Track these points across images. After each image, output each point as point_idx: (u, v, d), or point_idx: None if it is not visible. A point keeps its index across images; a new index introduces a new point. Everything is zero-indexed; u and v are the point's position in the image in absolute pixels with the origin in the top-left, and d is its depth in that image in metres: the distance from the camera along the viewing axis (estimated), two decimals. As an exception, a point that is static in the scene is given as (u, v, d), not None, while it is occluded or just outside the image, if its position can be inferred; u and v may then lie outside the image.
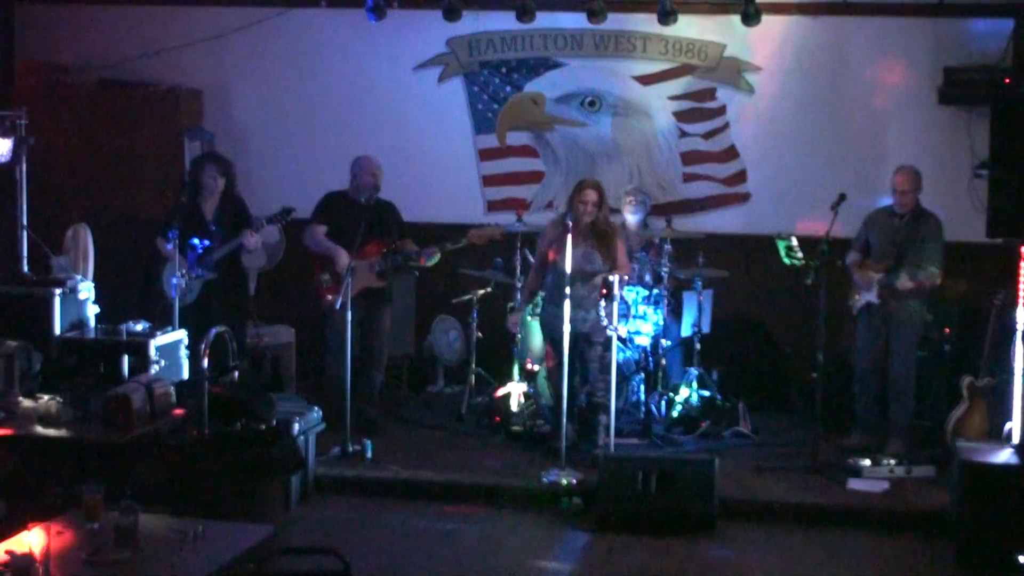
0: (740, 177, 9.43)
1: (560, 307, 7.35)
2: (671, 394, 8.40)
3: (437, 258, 8.09)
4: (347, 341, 7.61)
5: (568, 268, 7.26)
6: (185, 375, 7.65)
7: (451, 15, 8.78)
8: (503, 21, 9.37)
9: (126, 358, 7.36)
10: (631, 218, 8.62)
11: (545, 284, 7.79)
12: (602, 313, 7.23)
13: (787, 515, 6.97)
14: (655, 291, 8.33)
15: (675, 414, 8.32)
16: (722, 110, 9.40)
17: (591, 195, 7.59)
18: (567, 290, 7.26)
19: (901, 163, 7.99)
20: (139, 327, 7.63)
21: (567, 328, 7.28)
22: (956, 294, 8.59)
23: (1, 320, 7.59)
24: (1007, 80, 8.35)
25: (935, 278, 7.56)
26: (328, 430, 7.43)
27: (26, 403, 6.55)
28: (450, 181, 9.68)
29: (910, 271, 7.59)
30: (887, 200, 7.95)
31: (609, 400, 7.46)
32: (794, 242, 7.79)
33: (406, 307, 9.47)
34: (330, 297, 7.88)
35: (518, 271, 8.57)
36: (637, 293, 8.24)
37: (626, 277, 7.73)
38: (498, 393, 8.58)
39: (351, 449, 7.56)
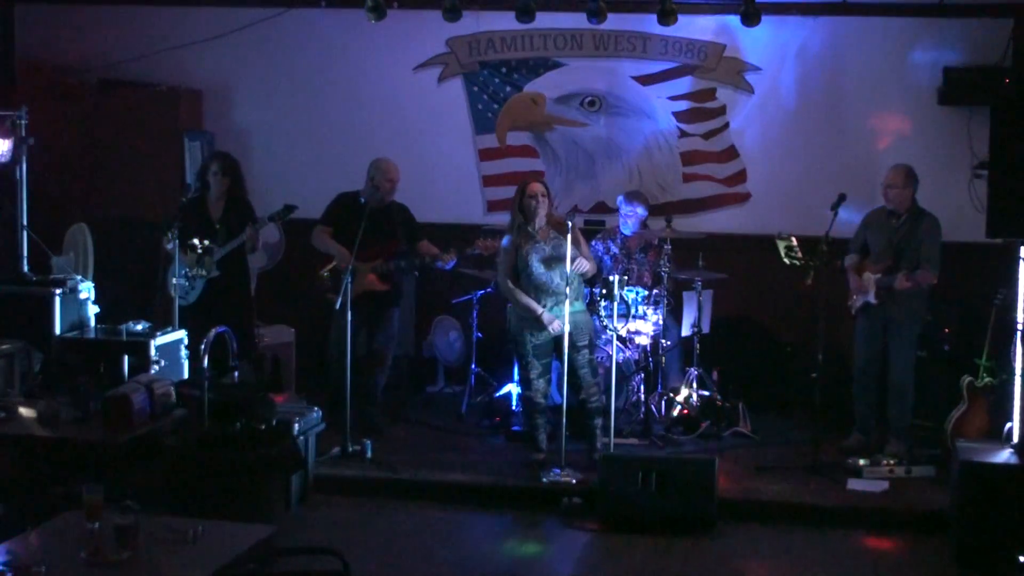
0: (740, 177, 9.43)
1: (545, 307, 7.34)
2: (671, 394, 8.40)
3: (453, 263, 8.02)
4: (347, 341, 7.61)
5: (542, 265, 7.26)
6: (185, 375, 7.65)
7: (451, 15, 8.77)
8: (503, 21, 9.37)
9: (126, 358, 7.36)
10: (631, 219, 8.61)
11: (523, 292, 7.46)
12: (602, 313, 7.20)
13: (787, 515, 6.97)
14: (655, 291, 8.33)
15: (675, 414, 8.33)
16: (722, 110, 9.40)
17: (539, 187, 7.47)
18: (560, 284, 7.25)
19: (896, 163, 7.98)
20: (139, 327, 7.63)
21: (567, 327, 7.27)
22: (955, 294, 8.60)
23: (1, 320, 7.59)
24: (1007, 80, 8.34)
25: (932, 278, 7.56)
26: (328, 430, 7.44)
27: (26, 403, 6.55)
28: (450, 181, 9.68)
29: (907, 271, 7.58)
30: (886, 200, 7.96)
31: (604, 402, 7.46)
32: (794, 242, 7.79)
33: (406, 307, 9.47)
34: (331, 296, 7.90)
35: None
36: (637, 293, 8.25)
37: (591, 269, 7.46)
38: (498, 393, 8.59)
39: (351, 449, 7.56)
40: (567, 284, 7.21)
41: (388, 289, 8.06)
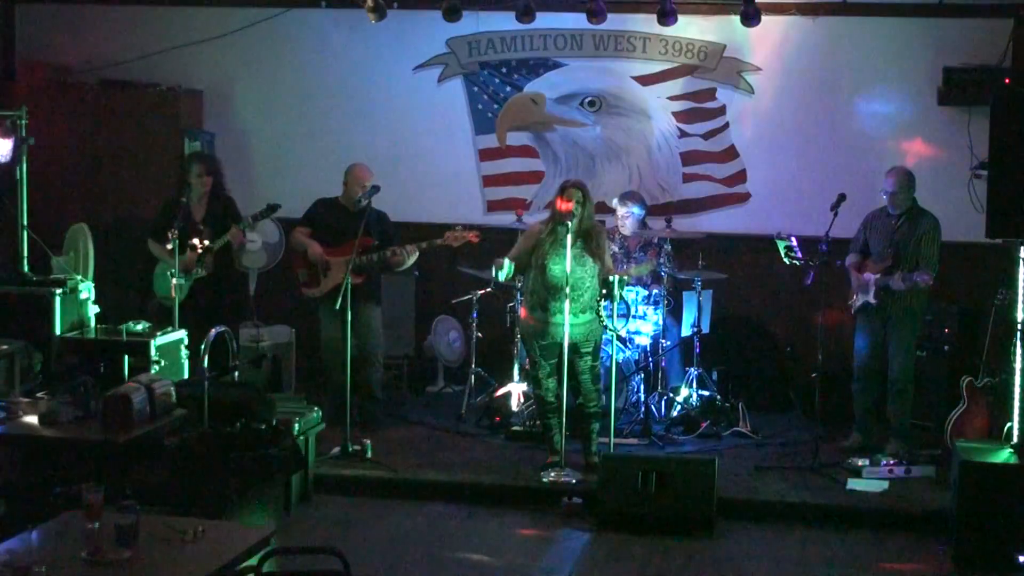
0: (740, 177, 9.43)
1: (551, 312, 7.28)
2: (671, 394, 8.40)
3: (414, 257, 8.13)
4: (346, 339, 7.62)
5: (568, 269, 7.23)
6: (185, 375, 7.65)
7: (451, 15, 8.78)
8: (503, 21, 9.37)
9: (126, 358, 7.36)
10: (629, 221, 8.58)
11: (531, 290, 7.44)
12: (602, 314, 7.18)
13: (787, 515, 6.97)
14: (655, 291, 8.33)
15: (675, 414, 8.33)
16: (722, 110, 9.40)
17: (576, 195, 7.33)
18: (566, 291, 7.21)
19: (894, 164, 7.98)
20: (139, 327, 7.63)
21: (566, 334, 7.24)
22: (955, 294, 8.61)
23: (1, 320, 7.59)
24: (1007, 80, 8.34)
25: (929, 279, 7.54)
26: (328, 430, 7.44)
27: (26, 403, 6.54)
28: (450, 181, 9.68)
29: (904, 273, 7.58)
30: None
31: (603, 407, 7.44)
32: (793, 242, 7.80)
33: (406, 307, 9.48)
34: (306, 291, 8.22)
35: (518, 271, 8.56)
36: (637, 293, 8.24)
37: (612, 278, 7.60)
38: (498, 393, 8.59)
39: (351, 449, 7.56)
40: (581, 292, 7.21)
41: (363, 283, 8.01)
